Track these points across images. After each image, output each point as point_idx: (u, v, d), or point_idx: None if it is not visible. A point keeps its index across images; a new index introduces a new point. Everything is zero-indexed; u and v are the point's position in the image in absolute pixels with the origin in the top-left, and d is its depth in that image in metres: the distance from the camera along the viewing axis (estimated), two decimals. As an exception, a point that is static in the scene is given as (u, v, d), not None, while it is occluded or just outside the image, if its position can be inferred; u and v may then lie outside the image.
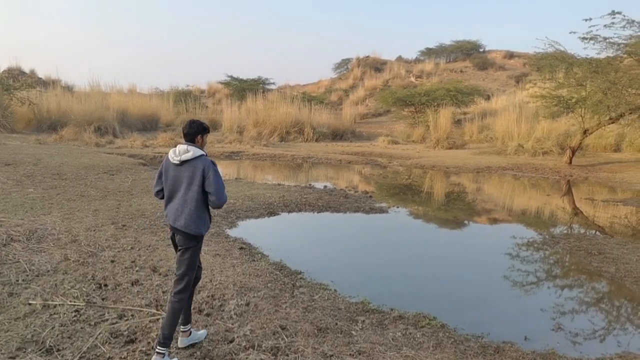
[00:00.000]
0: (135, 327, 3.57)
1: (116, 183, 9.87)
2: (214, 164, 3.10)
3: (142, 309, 3.88)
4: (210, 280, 4.64)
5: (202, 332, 3.48)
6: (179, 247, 3.14)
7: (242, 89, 32.27)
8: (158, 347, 3.01)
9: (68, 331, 3.46)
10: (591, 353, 3.64)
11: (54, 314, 3.73)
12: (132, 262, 5.07)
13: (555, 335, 3.98)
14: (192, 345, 3.34)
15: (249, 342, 3.43)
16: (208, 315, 3.90)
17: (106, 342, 3.33)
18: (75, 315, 3.71)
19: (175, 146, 3.16)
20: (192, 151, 3.05)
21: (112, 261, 5.05)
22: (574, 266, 5.99)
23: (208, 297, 4.23)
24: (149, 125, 22.60)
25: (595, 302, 4.87)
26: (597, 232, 7.77)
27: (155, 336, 3.40)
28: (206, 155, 3.14)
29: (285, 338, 3.50)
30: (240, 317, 3.87)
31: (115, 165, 12.24)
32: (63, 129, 18.26)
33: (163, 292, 4.26)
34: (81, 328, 3.52)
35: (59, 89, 22.98)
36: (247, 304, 4.12)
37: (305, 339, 3.50)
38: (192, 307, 3.50)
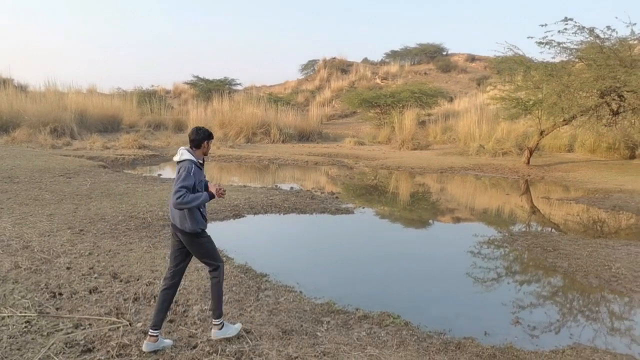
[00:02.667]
0: (93, 336, 3.44)
1: (73, 186, 9.49)
2: (187, 170, 3.20)
3: (100, 317, 3.74)
4: (174, 286, 4.54)
5: (168, 342, 3.40)
6: (188, 248, 3.35)
7: (208, 89, 31.83)
8: (213, 321, 3.47)
9: (17, 343, 3.29)
10: (546, 346, 3.79)
11: (2, 325, 3.53)
12: (90, 268, 4.88)
13: (514, 330, 4.12)
14: (155, 352, 3.25)
15: (213, 347, 3.37)
16: (171, 321, 3.80)
17: (60, 352, 3.19)
18: (25, 327, 3.53)
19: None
20: (180, 153, 3.32)
21: (68, 268, 4.84)
22: (531, 262, 6.23)
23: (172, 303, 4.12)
24: (110, 126, 21.85)
25: (550, 296, 5.09)
26: (553, 230, 8.12)
27: (115, 344, 3.29)
28: (191, 160, 3.28)
29: (250, 342, 3.47)
30: (204, 322, 3.80)
31: (72, 167, 11.76)
32: (16, 130, 17.36)
33: (124, 300, 4.12)
34: (32, 339, 3.35)
35: (11, 89, 21.79)
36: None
37: (270, 342, 3.48)
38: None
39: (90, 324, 3.63)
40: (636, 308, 4.68)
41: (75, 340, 3.35)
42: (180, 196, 3.11)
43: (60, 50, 70.18)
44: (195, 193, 3.22)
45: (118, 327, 3.58)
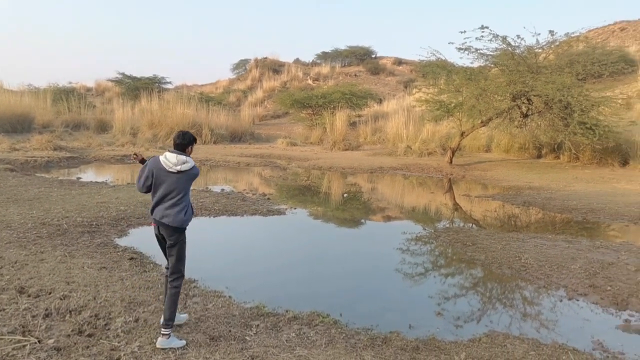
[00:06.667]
0: (-5, 358, 3.11)
1: (-25, 192, 8.55)
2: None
3: (2, 336, 3.39)
4: (94, 298, 4.22)
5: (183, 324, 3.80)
6: (168, 241, 3.53)
7: (136, 87, 30.14)
8: (162, 329, 3.42)
9: None
10: (465, 335, 4.03)
11: None
12: (-8, 283, 4.41)
13: (437, 321, 4.35)
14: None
15: (137, 358, 3.21)
16: (90, 335, 3.54)
17: (-46, 379, 2.85)
18: None
19: (164, 153, 3.64)
20: (190, 162, 3.54)
21: (-35, 284, 4.35)
22: (453, 256, 6.61)
23: (91, 317, 3.82)
24: (19, 126, 19.95)
25: (469, 287, 5.43)
26: (472, 225, 8.69)
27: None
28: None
29: (176, 350, 3.34)
30: (128, 334, 3.60)
31: (-27, 171, 10.59)
32: None
33: (32, 317, 3.76)
34: None
35: None
36: (136, 320, 3.84)
37: (197, 350, 3.37)
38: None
39: (-10, 345, 3.28)
40: (542, 294, 5.14)
41: (-27, 364, 3.02)
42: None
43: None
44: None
45: (24, 346, 3.28)
